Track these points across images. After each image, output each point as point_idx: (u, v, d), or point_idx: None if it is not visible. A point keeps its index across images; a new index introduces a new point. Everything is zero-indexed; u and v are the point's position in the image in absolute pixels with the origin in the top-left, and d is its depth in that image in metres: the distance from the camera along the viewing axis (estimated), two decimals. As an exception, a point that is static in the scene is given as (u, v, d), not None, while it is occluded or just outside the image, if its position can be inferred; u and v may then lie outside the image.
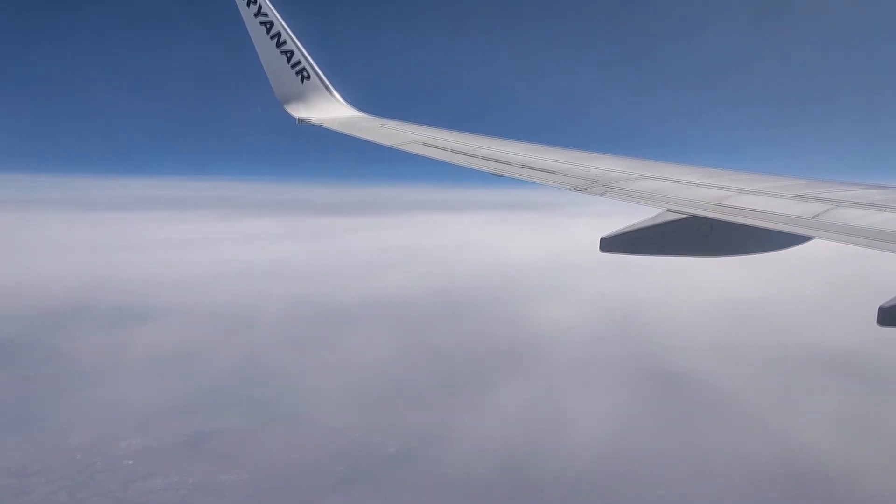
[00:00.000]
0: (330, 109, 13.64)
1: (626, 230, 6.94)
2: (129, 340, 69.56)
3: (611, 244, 6.96)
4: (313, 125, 13.26)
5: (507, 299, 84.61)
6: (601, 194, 7.78)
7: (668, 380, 58.58)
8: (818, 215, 6.11)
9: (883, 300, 5.01)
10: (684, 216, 6.75)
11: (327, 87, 13.83)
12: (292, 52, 13.29)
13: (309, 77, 13.52)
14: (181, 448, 49.11)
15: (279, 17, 13.05)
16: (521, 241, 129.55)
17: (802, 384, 57.09)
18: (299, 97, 13.58)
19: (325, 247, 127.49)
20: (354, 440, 50.28)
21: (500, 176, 9.23)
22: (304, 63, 13.45)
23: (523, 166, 9.27)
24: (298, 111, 13.47)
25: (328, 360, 64.80)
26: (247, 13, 12.88)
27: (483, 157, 9.90)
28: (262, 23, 12.93)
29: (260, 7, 12.86)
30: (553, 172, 8.85)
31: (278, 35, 13.05)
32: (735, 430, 50.63)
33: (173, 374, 60.95)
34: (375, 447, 49.41)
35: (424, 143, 11.05)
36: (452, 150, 10.44)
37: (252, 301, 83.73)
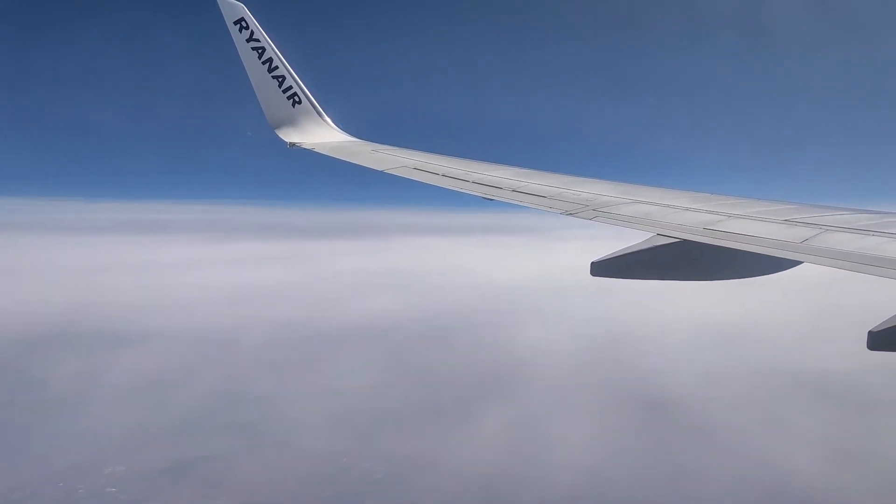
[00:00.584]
0: (321, 134, 13.69)
1: (616, 254, 6.96)
2: (111, 365, 68.78)
3: (601, 268, 6.97)
4: (304, 149, 13.30)
5: (497, 324, 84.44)
6: (591, 218, 7.82)
7: (656, 404, 58.50)
8: (807, 240, 6.16)
9: (872, 324, 5.04)
10: (674, 240, 6.78)
11: (318, 112, 13.90)
12: (284, 77, 13.36)
13: (300, 102, 13.59)
14: (165, 475, 48.46)
15: (271, 43, 13.14)
16: (511, 265, 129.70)
17: (792, 409, 57.15)
18: (290, 122, 13.64)
19: (313, 271, 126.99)
20: (341, 466, 49.78)
21: (491, 200, 9.26)
22: (295, 88, 13.53)
23: (514, 191, 9.31)
24: (289, 135, 13.51)
25: (314, 385, 64.30)
26: (238, 38, 12.95)
27: (474, 182, 9.94)
28: (253, 48, 13.01)
29: (252, 33, 12.94)
30: (544, 197, 8.89)
31: (270, 60, 13.13)
32: (723, 455, 50.51)
33: (157, 400, 60.26)
34: (363, 473, 48.92)
35: (415, 168, 11.09)
36: (443, 175, 10.47)
37: (237, 325, 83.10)
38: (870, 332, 5.01)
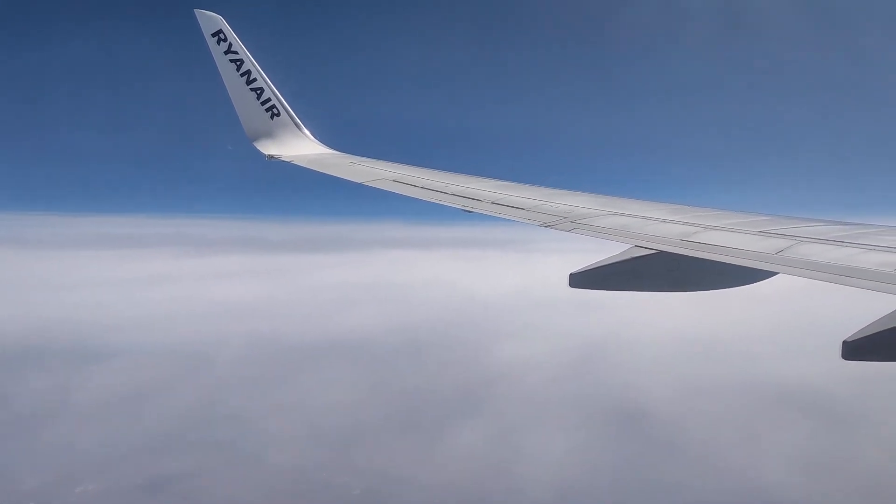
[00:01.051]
0: (299, 146, 13.67)
1: (594, 266, 6.99)
2: (83, 381, 67.65)
3: (580, 280, 7.00)
4: (283, 162, 13.27)
5: (475, 337, 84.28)
6: (570, 230, 7.86)
7: (633, 417, 58.62)
8: (782, 251, 6.25)
9: (846, 334, 5.11)
10: (652, 252, 6.83)
11: (297, 125, 13.88)
12: (262, 90, 13.35)
13: (279, 114, 13.57)
14: (139, 492, 47.71)
15: (249, 55, 13.11)
16: (490, 277, 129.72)
17: (767, 419, 57.57)
18: (269, 134, 13.61)
19: (290, 284, 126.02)
20: (319, 481, 49.34)
21: (470, 212, 9.29)
22: (274, 100, 13.51)
23: (493, 203, 9.35)
24: (268, 148, 13.48)
25: (291, 400, 63.69)
26: (216, 50, 12.92)
27: (453, 194, 9.97)
28: (231, 60, 12.98)
29: (230, 45, 12.91)
30: (522, 209, 8.94)
31: (248, 72, 13.11)
32: (699, 468, 50.70)
33: (131, 416, 59.37)
34: (340, 488, 48.52)
35: (395, 180, 11.10)
36: (423, 187, 10.49)
37: (213, 340, 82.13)
38: (844, 342, 5.07)
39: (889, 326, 5.01)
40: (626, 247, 7.08)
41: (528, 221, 8.48)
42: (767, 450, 52.41)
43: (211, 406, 61.93)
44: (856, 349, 5.05)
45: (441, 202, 9.79)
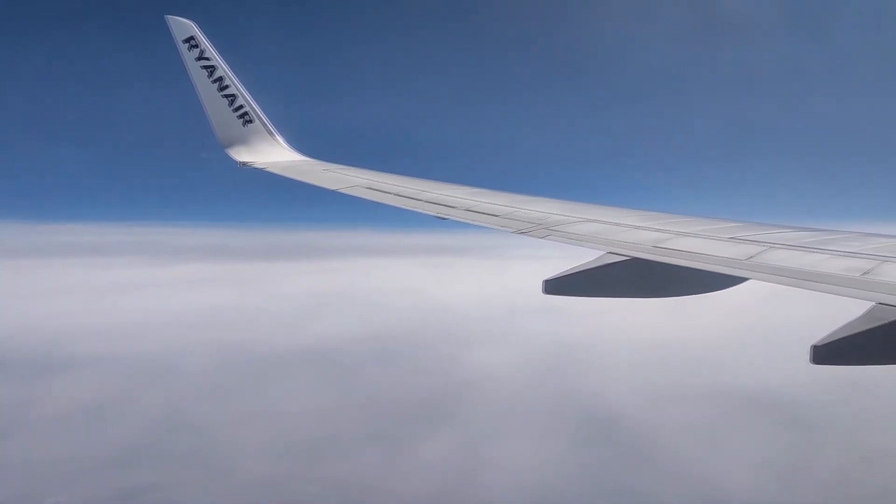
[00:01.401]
0: (272, 153, 13.60)
1: (568, 272, 7.02)
2: (49, 392, 66.29)
3: (554, 286, 7.02)
4: (256, 169, 13.18)
5: (447, 344, 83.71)
6: (544, 237, 7.89)
7: (604, 424, 58.57)
8: (752, 257, 6.32)
9: (816, 339, 5.18)
10: (625, 258, 6.88)
11: (270, 131, 13.80)
12: (235, 96, 13.25)
13: (252, 121, 13.48)
14: (110, 504, 46.96)
15: (222, 62, 13.01)
16: (463, 284, 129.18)
17: (737, 424, 57.97)
18: (241, 141, 13.52)
19: (261, 293, 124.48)
20: (291, 491, 48.87)
21: (444, 219, 9.28)
22: (246, 107, 13.42)
23: (467, 210, 9.36)
24: (240, 155, 13.39)
25: (260, 410, 62.85)
26: (188, 57, 12.80)
27: (427, 201, 9.97)
28: (203, 66, 12.88)
29: (202, 51, 12.80)
30: (497, 216, 8.95)
31: (220, 79, 13.01)
32: (667, 474, 50.89)
33: (98, 427, 58.22)
34: (313, 498, 48.11)
35: (368, 187, 11.07)
36: (396, 194, 10.48)
37: (180, 349, 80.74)
38: (813, 347, 5.14)
39: (857, 331, 5.09)
40: (599, 253, 7.13)
41: (502, 228, 8.50)
42: (736, 455, 52.77)
43: (180, 416, 60.91)
44: (825, 353, 5.13)
45: (415, 209, 9.78)
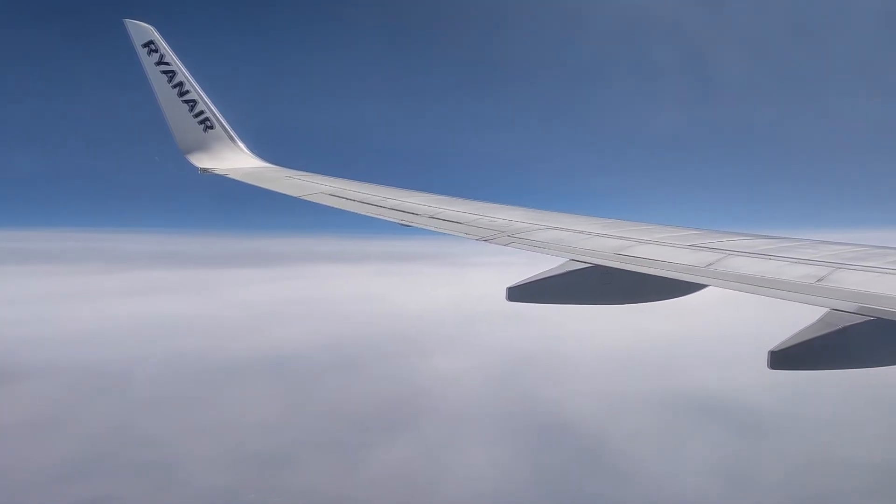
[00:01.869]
0: (234, 160, 13.43)
1: (531, 279, 7.06)
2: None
3: (517, 293, 7.06)
4: (217, 175, 13.01)
5: (408, 352, 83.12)
6: (507, 244, 7.93)
7: (563, 429, 58.72)
8: (711, 264, 6.42)
9: (773, 344, 5.28)
10: (587, 265, 6.94)
11: (231, 137, 13.63)
12: (195, 102, 13.07)
13: (213, 127, 13.30)
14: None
15: (182, 67, 12.83)
16: (427, 291, 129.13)
17: (695, 429, 58.65)
18: (202, 147, 13.33)
19: (221, 300, 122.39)
20: (250, 502, 48.24)
21: (408, 227, 9.28)
22: (207, 113, 13.24)
23: (431, 217, 9.36)
24: (201, 161, 13.19)
25: (216, 419, 61.72)
26: (147, 61, 12.60)
27: (391, 208, 9.95)
28: (163, 71, 12.69)
29: (162, 56, 12.61)
30: (460, 223, 8.97)
31: (181, 84, 12.82)
32: (624, 479, 51.18)
33: (48, 439, 56.64)
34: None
35: (331, 194, 11.01)
36: (360, 201, 10.44)
37: (134, 358, 78.72)
38: (770, 352, 5.23)
39: (812, 336, 5.19)
40: (562, 260, 7.18)
41: (466, 236, 8.52)
42: (691, 460, 53.26)
43: (132, 427, 59.64)
44: (782, 359, 5.23)
45: (379, 216, 9.76)
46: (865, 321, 5.03)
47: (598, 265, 6.89)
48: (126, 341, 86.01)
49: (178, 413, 62.99)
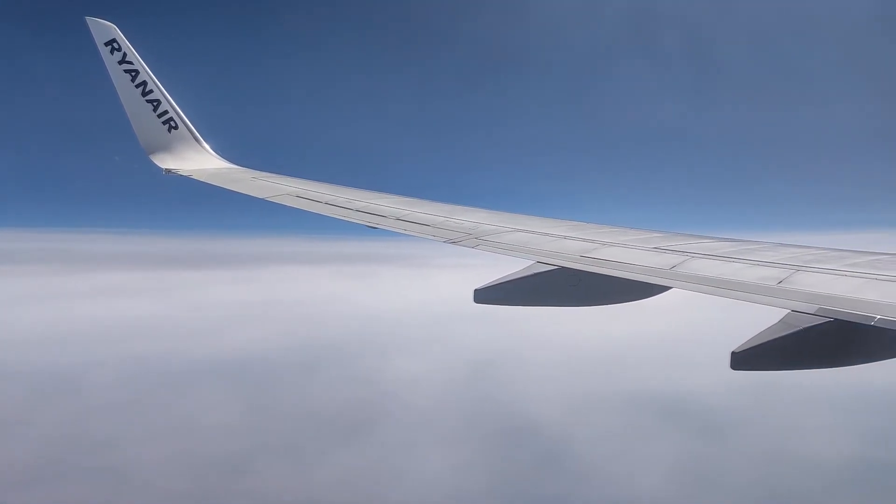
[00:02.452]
0: (199, 160, 13.28)
1: (498, 281, 7.10)
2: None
3: (484, 295, 7.10)
4: (181, 176, 12.84)
5: (372, 354, 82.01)
6: (474, 247, 7.95)
7: (523, 432, 58.65)
8: (675, 266, 6.51)
9: (735, 345, 5.37)
10: (553, 268, 6.99)
11: (196, 138, 13.48)
12: (159, 102, 12.89)
13: (177, 127, 13.13)
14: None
15: (145, 66, 12.65)
16: (394, 293, 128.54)
17: (656, 430, 58.97)
18: (166, 147, 13.15)
19: (182, 302, 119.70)
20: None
21: (375, 228, 9.26)
22: (171, 113, 13.07)
23: (398, 219, 9.36)
24: (165, 162, 13.01)
25: (174, 424, 60.25)
26: (110, 60, 12.39)
27: (358, 210, 9.93)
28: (126, 70, 12.49)
29: (125, 55, 12.41)
30: (427, 225, 8.98)
31: (144, 83, 12.64)
32: (579, 479, 51.30)
33: (4, 444, 55.10)
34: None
35: (297, 196, 10.94)
36: (326, 203, 10.40)
37: (91, 362, 76.53)
38: (732, 353, 5.32)
39: (772, 337, 5.29)
40: (528, 263, 7.22)
41: (434, 238, 8.53)
42: (652, 461, 53.59)
43: (87, 432, 58.11)
44: (743, 359, 5.32)
45: (345, 218, 9.72)
46: (824, 322, 5.13)
47: (563, 267, 6.95)
48: (82, 344, 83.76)
49: (133, 417, 61.49)
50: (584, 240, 7.76)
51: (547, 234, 8.17)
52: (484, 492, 50.03)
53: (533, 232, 8.35)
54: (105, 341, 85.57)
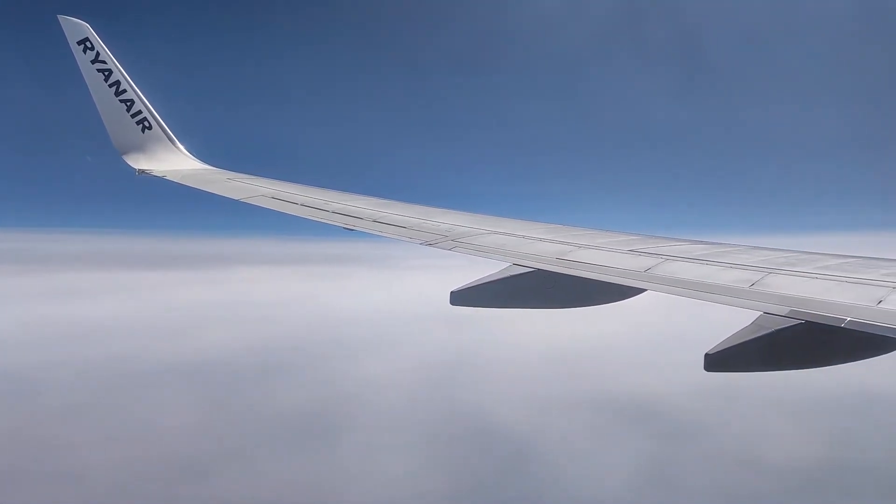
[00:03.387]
0: (173, 161, 13.16)
1: (474, 284, 7.10)
2: None
3: (460, 298, 7.09)
4: (154, 177, 12.72)
5: (343, 356, 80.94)
6: (451, 249, 7.96)
7: (491, 433, 58.34)
8: (650, 269, 6.56)
9: (708, 347, 5.41)
10: (529, 270, 7.01)
11: (170, 138, 13.36)
12: (133, 101, 12.76)
13: (150, 127, 13.01)
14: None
15: (118, 65, 12.51)
16: (369, 295, 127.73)
17: (626, 432, 59.06)
18: (139, 148, 13.03)
19: (145, 302, 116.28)
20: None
21: (351, 230, 9.24)
22: (145, 113, 12.95)
23: (375, 221, 9.34)
24: (138, 162, 12.89)
25: (128, 428, 58.62)
26: (83, 59, 12.25)
27: (334, 212, 9.89)
28: (99, 70, 12.35)
29: (98, 54, 12.27)
30: (404, 227, 8.97)
31: (118, 83, 12.50)
32: (549, 482, 51.30)
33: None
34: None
35: (273, 197, 10.88)
36: (302, 204, 10.36)
37: (47, 364, 74.60)
38: (706, 355, 5.37)
39: (745, 339, 5.35)
40: (504, 265, 7.24)
41: (410, 240, 8.52)
42: (623, 464, 53.63)
43: (39, 436, 56.72)
44: (717, 361, 5.37)
45: (321, 220, 9.69)
46: (796, 324, 5.20)
47: (539, 269, 6.97)
48: (36, 346, 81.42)
49: (87, 421, 59.76)
50: (560, 242, 7.79)
51: (523, 237, 8.20)
52: (450, 495, 49.80)
53: (509, 234, 8.37)
54: (59, 343, 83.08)
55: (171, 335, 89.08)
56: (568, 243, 7.71)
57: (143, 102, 12.91)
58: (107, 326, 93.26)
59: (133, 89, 12.72)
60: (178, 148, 13.42)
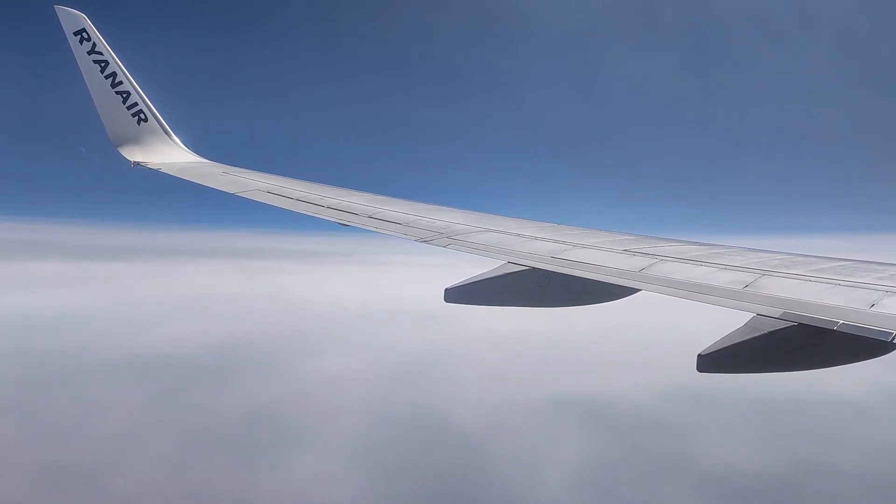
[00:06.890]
0: (168, 154, 13.11)
1: (469, 281, 7.10)
2: None
3: (455, 295, 7.09)
4: (149, 169, 12.67)
5: (318, 352, 78.98)
6: (446, 246, 7.95)
7: (476, 432, 58.00)
8: (644, 269, 6.57)
9: (701, 348, 5.43)
10: (524, 268, 7.01)
11: (166, 131, 13.31)
12: (128, 93, 12.70)
13: (146, 119, 12.95)
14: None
15: (115, 56, 12.45)
16: (363, 291, 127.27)
17: (619, 431, 59.13)
18: (135, 140, 12.97)
19: (112, 294, 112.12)
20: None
21: (346, 226, 9.22)
22: (141, 105, 12.89)
23: (370, 217, 9.34)
24: (133, 154, 12.83)
25: (81, 424, 57.40)
26: (79, 50, 12.19)
27: (329, 207, 9.87)
28: (95, 61, 12.29)
29: (94, 45, 12.21)
30: (399, 224, 8.96)
31: (114, 75, 12.44)
32: (531, 481, 51.25)
33: None
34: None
35: (269, 192, 10.86)
36: (298, 199, 10.33)
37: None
38: (699, 356, 5.38)
39: (738, 340, 5.36)
40: (499, 262, 7.23)
41: (406, 236, 8.51)
42: (615, 462, 53.58)
43: None
44: (709, 362, 5.38)
45: (317, 215, 9.67)
46: (788, 326, 5.21)
47: (534, 268, 6.97)
48: None
49: (38, 416, 58.31)
50: (555, 241, 7.79)
51: (518, 235, 8.20)
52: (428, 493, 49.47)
53: (504, 232, 8.38)
54: (16, 335, 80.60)
55: (131, 328, 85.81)
56: (563, 242, 7.71)
57: (139, 94, 12.86)
58: (67, 319, 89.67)
59: (129, 81, 12.66)
60: (173, 140, 13.37)
